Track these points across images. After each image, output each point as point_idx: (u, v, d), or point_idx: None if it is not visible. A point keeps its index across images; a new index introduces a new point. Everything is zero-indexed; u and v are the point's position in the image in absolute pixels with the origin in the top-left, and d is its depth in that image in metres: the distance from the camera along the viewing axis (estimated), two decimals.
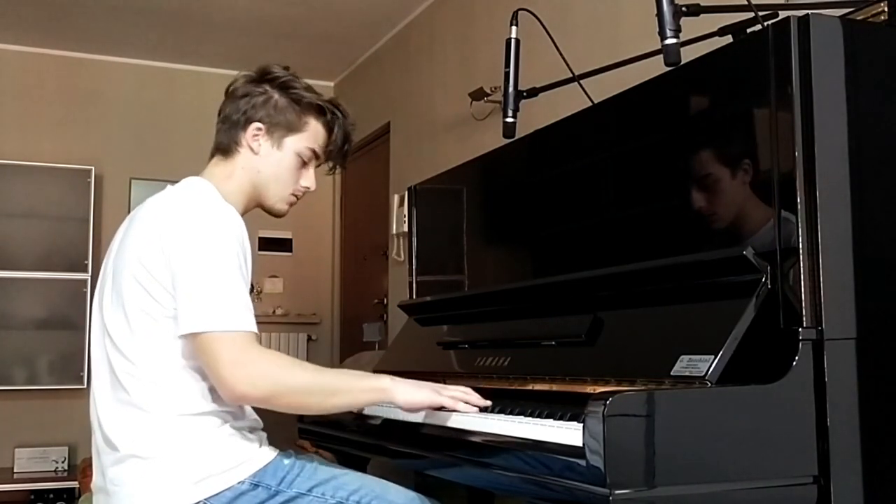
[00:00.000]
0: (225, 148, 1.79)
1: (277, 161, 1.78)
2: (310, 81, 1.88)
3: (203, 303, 1.55)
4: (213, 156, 1.82)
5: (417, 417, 1.75)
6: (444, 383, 2.07)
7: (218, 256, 1.57)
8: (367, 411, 1.98)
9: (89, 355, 1.73)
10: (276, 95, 1.78)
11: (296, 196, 1.85)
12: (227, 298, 1.56)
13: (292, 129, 1.78)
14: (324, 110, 1.82)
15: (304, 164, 1.82)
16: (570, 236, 2.06)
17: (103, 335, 1.68)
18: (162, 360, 1.60)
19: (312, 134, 1.81)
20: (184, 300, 1.56)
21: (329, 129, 1.83)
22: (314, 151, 1.82)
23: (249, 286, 1.64)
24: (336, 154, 1.86)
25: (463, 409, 1.65)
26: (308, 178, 1.84)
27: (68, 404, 5.21)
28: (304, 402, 1.62)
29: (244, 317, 1.56)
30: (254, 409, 1.76)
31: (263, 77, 1.80)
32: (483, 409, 1.67)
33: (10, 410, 5.25)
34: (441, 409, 1.67)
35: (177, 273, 1.58)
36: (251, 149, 1.77)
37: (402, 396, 1.64)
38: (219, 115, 1.82)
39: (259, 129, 1.76)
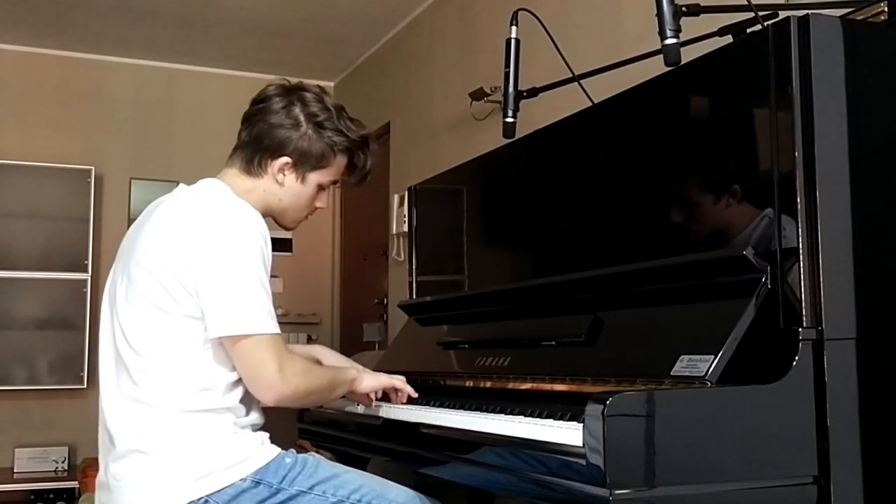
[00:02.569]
0: (249, 168, 1.81)
1: (299, 193, 1.83)
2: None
3: (242, 305, 1.60)
4: (233, 161, 1.83)
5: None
6: (444, 384, 2.08)
7: (247, 261, 1.62)
8: (365, 410, 1.98)
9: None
10: (312, 134, 1.79)
11: (307, 216, 1.91)
12: (261, 302, 1.62)
13: (319, 167, 1.82)
14: (353, 151, 1.86)
15: (323, 189, 1.87)
16: (569, 236, 2.06)
17: (113, 329, 1.70)
18: (173, 356, 1.62)
19: (337, 168, 1.86)
20: (218, 302, 1.60)
21: (353, 165, 1.89)
22: (335, 181, 1.88)
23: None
24: (354, 182, 1.93)
25: (405, 393, 1.95)
26: (322, 200, 1.90)
27: (68, 404, 5.21)
28: (319, 399, 1.83)
29: (275, 321, 1.64)
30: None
31: (298, 103, 1.80)
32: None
33: (10, 410, 5.24)
34: (384, 397, 1.98)
35: (205, 275, 1.60)
36: (276, 180, 1.81)
37: (366, 383, 1.90)
38: (245, 122, 1.83)
39: (287, 163, 1.79)
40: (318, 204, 1.89)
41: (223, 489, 1.58)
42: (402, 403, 1.96)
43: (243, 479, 1.60)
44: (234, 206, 1.69)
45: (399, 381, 1.96)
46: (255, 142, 1.79)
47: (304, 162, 1.80)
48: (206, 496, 1.57)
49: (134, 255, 1.70)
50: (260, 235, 1.66)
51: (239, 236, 1.63)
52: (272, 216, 1.85)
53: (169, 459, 1.59)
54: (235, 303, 1.60)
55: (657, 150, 1.81)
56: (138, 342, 1.64)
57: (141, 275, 1.66)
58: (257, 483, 1.61)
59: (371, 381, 1.90)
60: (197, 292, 1.61)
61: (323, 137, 1.80)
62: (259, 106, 1.81)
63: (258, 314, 1.60)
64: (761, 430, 1.37)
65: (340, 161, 1.85)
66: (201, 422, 1.61)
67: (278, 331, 1.63)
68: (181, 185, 1.78)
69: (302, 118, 1.79)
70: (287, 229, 1.93)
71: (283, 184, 1.81)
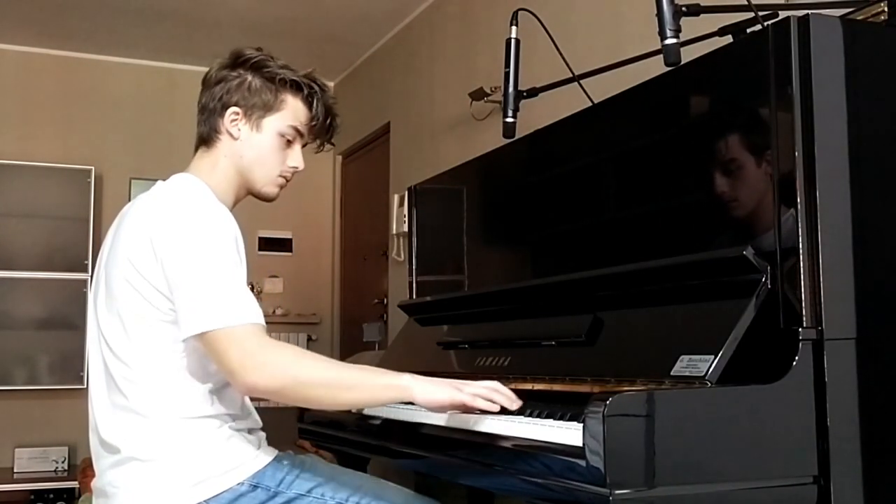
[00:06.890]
0: (206, 138, 1.75)
1: (259, 143, 1.74)
2: None
3: (206, 302, 1.53)
4: (197, 148, 1.78)
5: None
6: None
7: (214, 256, 1.56)
8: (366, 411, 1.98)
9: (89, 353, 1.73)
10: (250, 77, 1.73)
11: (284, 178, 1.80)
12: (229, 294, 1.54)
13: (270, 108, 1.73)
14: (300, 86, 1.76)
15: (289, 143, 1.77)
16: (570, 236, 2.06)
17: (99, 338, 1.67)
18: (160, 364, 1.60)
19: (292, 112, 1.75)
20: (185, 302, 1.55)
21: (309, 105, 1.77)
22: (297, 130, 1.77)
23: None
24: (321, 130, 1.81)
25: (483, 406, 1.56)
26: (295, 158, 1.78)
27: (68, 404, 5.21)
28: (318, 395, 1.56)
29: (250, 309, 1.53)
30: (254, 408, 1.76)
31: (236, 61, 1.76)
32: (508, 411, 1.57)
33: (10, 410, 5.24)
34: (464, 408, 1.58)
35: (174, 276, 1.56)
36: (230, 134, 1.73)
37: (422, 395, 1.55)
38: (198, 106, 1.78)
39: (236, 112, 1.72)
40: (290, 163, 1.77)
41: (220, 494, 1.56)
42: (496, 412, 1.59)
43: (240, 484, 1.58)
44: (201, 204, 1.63)
45: (468, 397, 1.55)
46: (204, 111, 1.75)
47: (252, 106, 1.72)
48: (204, 501, 1.55)
49: (108, 261, 1.68)
50: (228, 230, 1.60)
51: (204, 234, 1.57)
52: (247, 186, 1.77)
53: (165, 466, 1.57)
54: (198, 301, 1.53)
55: (657, 150, 1.81)
56: (122, 352, 1.61)
57: (116, 281, 1.62)
58: (254, 487, 1.59)
59: (430, 394, 1.56)
60: (171, 293, 1.57)
61: (264, 75, 1.73)
62: (204, 83, 1.78)
63: (221, 308, 1.51)
64: (761, 430, 1.37)
65: (293, 102, 1.75)
66: (195, 428, 1.59)
67: (252, 320, 1.52)
68: (158, 184, 1.72)
69: (241, 69, 1.74)
70: (268, 198, 1.80)
71: (238, 137, 1.73)
